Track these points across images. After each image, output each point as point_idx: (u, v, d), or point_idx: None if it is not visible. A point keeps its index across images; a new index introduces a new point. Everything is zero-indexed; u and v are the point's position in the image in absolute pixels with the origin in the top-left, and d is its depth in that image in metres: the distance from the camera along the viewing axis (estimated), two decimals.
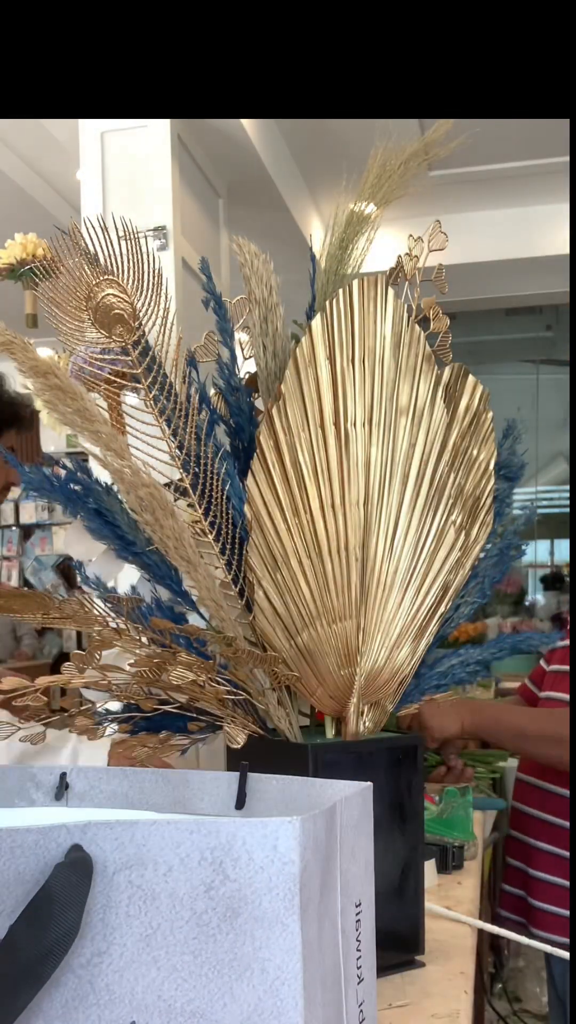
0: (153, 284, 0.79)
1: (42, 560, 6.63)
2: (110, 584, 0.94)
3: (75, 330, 0.78)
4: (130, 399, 0.84)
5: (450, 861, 1.20)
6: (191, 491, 0.82)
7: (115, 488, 0.87)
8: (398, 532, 0.85)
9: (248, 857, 0.45)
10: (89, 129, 2.82)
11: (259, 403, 0.89)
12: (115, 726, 0.87)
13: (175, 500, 0.80)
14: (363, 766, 0.86)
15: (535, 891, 1.65)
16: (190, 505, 0.82)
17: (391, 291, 0.84)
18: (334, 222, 0.93)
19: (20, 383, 0.77)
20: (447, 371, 0.91)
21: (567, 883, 1.59)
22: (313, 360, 0.81)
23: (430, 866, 1.15)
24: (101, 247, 0.77)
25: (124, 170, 2.79)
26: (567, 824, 1.60)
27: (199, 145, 3.08)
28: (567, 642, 1.65)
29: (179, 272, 2.78)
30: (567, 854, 1.59)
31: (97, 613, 0.78)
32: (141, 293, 0.79)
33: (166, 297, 0.80)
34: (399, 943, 0.89)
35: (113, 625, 0.79)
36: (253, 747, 0.86)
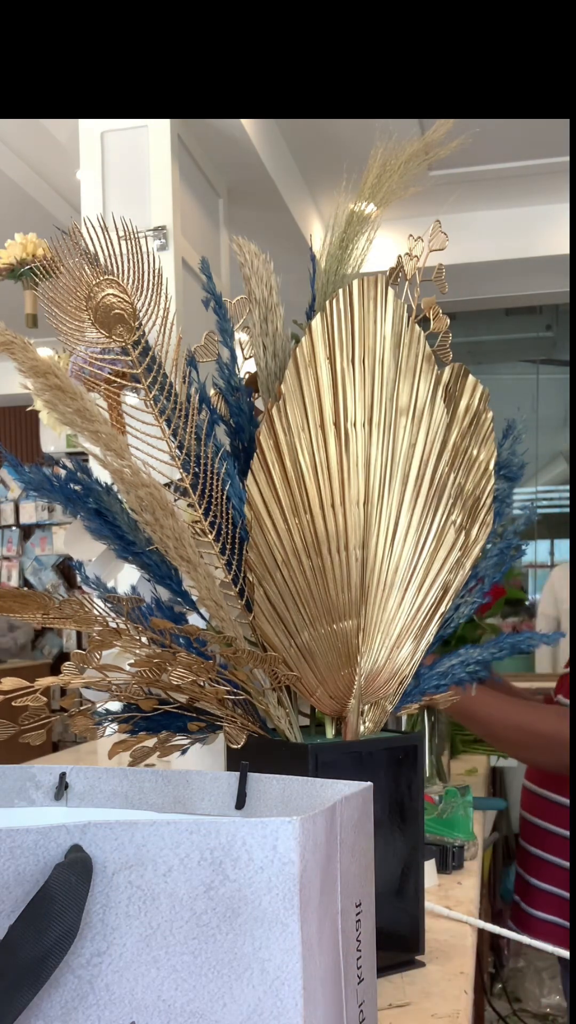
0: (153, 284, 0.79)
1: (42, 560, 6.63)
2: (110, 584, 0.94)
3: (75, 330, 0.78)
4: (130, 399, 0.84)
5: (450, 861, 1.20)
6: (191, 491, 0.82)
7: (115, 488, 0.87)
8: (398, 532, 0.85)
9: (248, 857, 0.45)
10: (89, 129, 2.82)
11: (259, 403, 0.89)
12: (115, 726, 0.87)
13: (175, 500, 0.80)
14: (363, 766, 0.86)
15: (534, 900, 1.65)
16: (190, 505, 0.82)
17: (391, 291, 0.84)
18: (334, 222, 0.93)
19: (20, 383, 0.77)
20: (447, 371, 0.91)
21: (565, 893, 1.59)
22: (313, 360, 0.81)
23: (430, 866, 1.15)
24: (101, 247, 0.77)
25: (124, 170, 2.80)
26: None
27: (199, 145, 3.09)
28: None
29: (179, 272, 2.78)
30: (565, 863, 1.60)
31: (97, 613, 0.78)
32: (141, 293, 0.79)
33: (166, 297, 0.80)
34: (399, 943, 0.89)
35: (113, 625, 0.79)
36: (253, 747, 0.86)
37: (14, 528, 6.66)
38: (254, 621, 0.83)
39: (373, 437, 0.83)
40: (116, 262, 0.78)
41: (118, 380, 0.82)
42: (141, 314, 0.79)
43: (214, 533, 0.82)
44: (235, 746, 0.85)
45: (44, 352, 0.95)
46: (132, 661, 0.80)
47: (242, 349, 0.90)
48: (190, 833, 0.45)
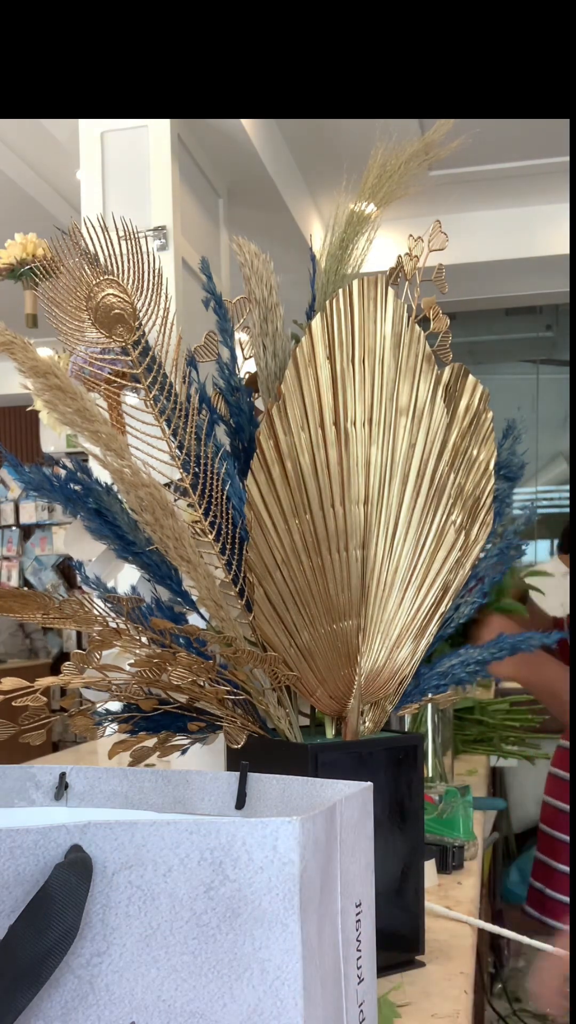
0: (153, 284, 0.79)
1: (42, 560, 6.63)
2: (110, 584, 0.94)
3: (75, 330, 0.78)
4: (130, 399, 0.84)
5: (450, 861, 1.20)
6: (191, 491, 0.82)
7: (115, 488, 0.87)
8: (398, 532, 0.85)
9: (248, 857, 0.45)
10: (89, 129, 2.82)
11: (259, 403, 0.89)
12: (115, 726, 0.87)
13: (175, 500, 0.80)
14: (363, 766, 0.86)
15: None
16: (190, 505, 0.82)
17: (391, 291, 0.84)
18: (334, 222, 0.93)
19: (20, 383, 0.77)
20: (447, 371, 0.91)
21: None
22: (313, 360, 0.81)
23: (430, 866, 1.15)
24: (101, 247, 0.77)
25: (124, 170, 2.80)
26: None
27: (199, 145, 3.09)
28: None
29: (179, 272, 2.78)
30: None
31: (97, 613, 0.78)
32: (141, 293, 0.79)
33: (166, 297, 0.80)
34: (399, 943, 0.89)
35: (113, 625, 0.79)
36: (253, 747, 0.86)
37: (14, 528, 6.66)
38: (254, 621, 0.83)
39: (373, 437, 0.83)
40: (116, 262, 0.78)
41: (118, 380, 0.82)
42: (141, 314, 0.79)
43: (214, 533, 0.82)
44: (235, 746, 0.85)
45: (44, 352, 0.95)
46: (132, 661, 0.80)
47: (242, 349, 0.90)
48: (190, 833, 0.45)
